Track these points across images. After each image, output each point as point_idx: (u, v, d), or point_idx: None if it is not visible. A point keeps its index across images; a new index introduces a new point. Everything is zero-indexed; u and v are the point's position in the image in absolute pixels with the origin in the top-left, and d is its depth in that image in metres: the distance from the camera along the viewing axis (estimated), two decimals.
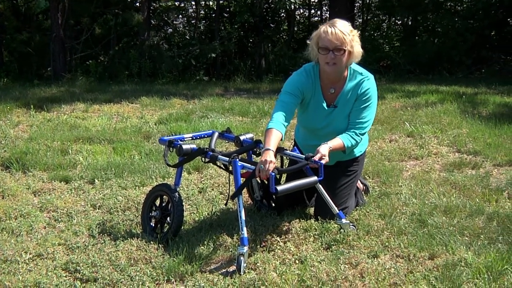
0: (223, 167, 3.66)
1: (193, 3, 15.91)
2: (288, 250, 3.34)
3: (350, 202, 3.80)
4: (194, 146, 3.63)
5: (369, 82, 3.64)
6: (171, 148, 3.69)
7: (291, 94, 3.59)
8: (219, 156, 3.47)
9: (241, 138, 3.84)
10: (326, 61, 3.52)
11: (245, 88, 10.97)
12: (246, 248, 3.13)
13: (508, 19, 13.79)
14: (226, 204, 4.00)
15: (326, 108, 3.67)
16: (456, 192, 4.28)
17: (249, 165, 3.38)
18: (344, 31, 3.45)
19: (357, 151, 3.87)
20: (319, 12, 16.85)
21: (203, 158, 3.58)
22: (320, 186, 3.56)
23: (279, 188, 3.20)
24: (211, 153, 3.52)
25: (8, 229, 3.80)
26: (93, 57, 13.34)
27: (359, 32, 3.59)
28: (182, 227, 3.60)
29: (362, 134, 3.61)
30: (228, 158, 3.41)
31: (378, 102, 3.74)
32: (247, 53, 15.57)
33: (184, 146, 3.57)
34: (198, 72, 13.96)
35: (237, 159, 3.34)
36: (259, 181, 3.99)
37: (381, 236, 3.49)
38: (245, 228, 3.18)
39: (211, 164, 3.79)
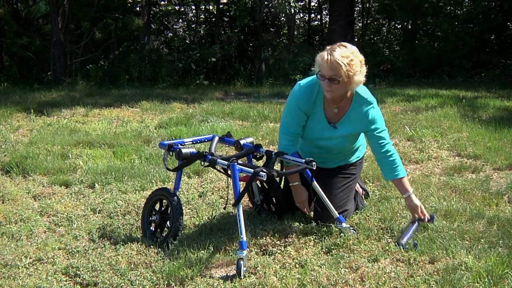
0: (223, 171, 3.67)
1: (193, 7, 15.94)
2: (289, 254, 3.34)
3: (349, 206, 3.80)
4: (193, 150, 3.64)
5: (375, 110, 3.63)
6: (170, 152, 3.70)
7: (297, 124, 3.68)
8: (218, 160, 3.47)
9: (241, 142, 3.85)
10: (323, 87, 3.49)
11: (245, 92, 10.97)
12: (245, 252, 3.14)
13: (508, 23, 13.80)
14: (225, 208, 4.01)
15: (327, 124, 3.66)
16: (456, 196, 4.28)
17: (248, 168, 3.38)
18: (340, 61, 3.32)
19: (354, 158, 3.88)
20: (319, 16, 16.86)
21: (202, 162, 3.59)
22: (320, 190, 3.56)
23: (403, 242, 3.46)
24: (210, 156, 3.52)
25: (8, 233, 3.80)
26: (93, 61, 13.35)
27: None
28: (182, 231, 3.60)
29: (394, 152, 3.65)
30: (227, 162, 3.41)
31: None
32: (247, 57, 15.58)
33: (183, 150, 3.58)
34: (198, 76, 13.96)
35: (236, 163, 3.35)
36: (259, 185, 3.99)
37: (381, 240, 3.49)
38: (244, 232, 3.18)
39: (211, 168, 3.79)
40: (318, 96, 3.61)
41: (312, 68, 3.58)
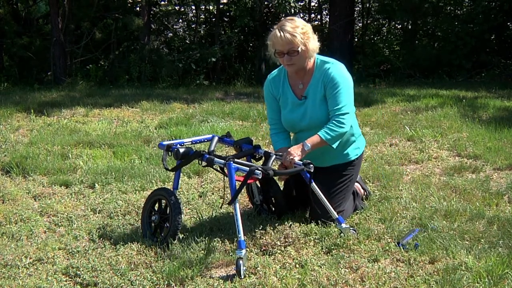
0: (220, 170, 3.67)
1: (193, 7, 15.93)
2: (289, 254, 3.34)
3: (345, 206, 3.81)
4: (191, 149, 3.64)
5: (334, 69, 3.67)
6: (169, 153, 3.70)
7: (274, 111, 3.90)
8: (215, 159, 3.47)
9: (240, 142, 3.86)
10: (284, 63, 3.66)
11: (245, 92, 10.98)
12: (244, 252, 3.14)
13: (508, 23, 13.79)
14: (221, 207, 4.03)
15: (298, 100, 3.77)
16: (456, 196, 4.28)
17: (245, 167, 3.39)
18: (293, 32, 3.52)
19: (353, 154, 3.86)
20: (319, 17, 16.85)
21: (200, 161, 3.59)
22: (319, 191, 3.57)
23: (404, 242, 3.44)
24: (207, 156, 3.53)
25: (8, 233, 3.80)
26: (93, 62, 13.34)
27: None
28: (182, 231, 3.60)
29: (341, 121, 3.58)
30: (223, 161, 3.42)
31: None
32: (247, 57, 15.57)
33: (181, 150, 3.59)
34: (198, 77, 13.95)
35: (232, 162, 3.35)
36: (259, 185, 3.99)
37: (381, 240, 3.49)
38: (242, 232, 3.18)
39: (211, 168, 3.80)
40: (284, 79, 3.82)
41: (267, 53, 3.76)
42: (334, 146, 3.61)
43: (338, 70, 3.67)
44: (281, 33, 3.52)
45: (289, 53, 3.56)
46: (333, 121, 3.58)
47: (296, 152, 3.50)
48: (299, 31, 3.53)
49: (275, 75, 3.88)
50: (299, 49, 3.55)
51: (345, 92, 3.62)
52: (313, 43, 3.62)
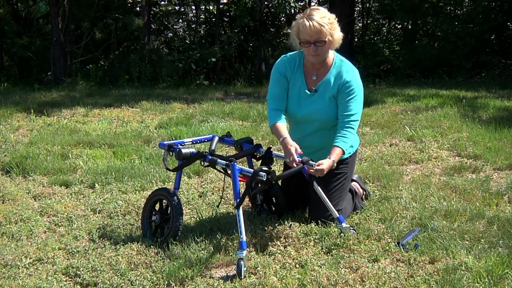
0: (222, 171, 3.67)
1: (193, 7, 15.93)
2: (289, 254, 3.34)
3: (343, 205, 3.80)
4: (193, 150, 3.64)
5: (352, 75, 3.69)
6: (170, 153, 3.70)
7: (281, 88, 3.79)
8: (218, 160, 3.48)
9: (241, 142, 3.86)
10: (309, 53, 3.61)
11: (245, 92, 10.98)
12: (245, 252, 3.14)
13: (508, 23, 13.78)
14: (218, 206, 4.05)
15: (308, 92, 3.74)
16: (456, 196, 4.28)
17: (248, 168, 3.39)
18: (321, 22, 3.50)
19: (346, 153, 3.84)
20: None
21: (202, 162, 3.59)
22: (320, 189, 3.56)
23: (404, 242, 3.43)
24: (210, 156, 3.53)
25: (8, 233, 3.80)
26: (94, 62, 13.34)
27: (336, 18, 3.64)
28: (183, 231, 3.60)
29: (353, 128, 3.60)
30: (226, 162, 3.42)
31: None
32: (247, 57, 15.57)
33: (183, 150, 3.58)
34: (198, 77, 13.95)
35: (235, 163, 3.35)
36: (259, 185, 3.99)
37: (381, 240, 3.49)
38: (244, 232, 3.18)
39: (211, 168, 3.80)
40: (299, 64, 3.78)
41: (287, 42, 3.74)
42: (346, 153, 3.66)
43: (355, 77, 3.69)
44: (310, 22, 3.49)
45: (316, 43, 3.54)
46: (345, 128, 3.58)
47: (326, 165, 3.42)
48: (327, 21, 3.52)
49: (291, 58, 3.83)
50: (327, 39, 3.54)
51: (359, 100, 3.66)
52: (338, 34, 3.63)
